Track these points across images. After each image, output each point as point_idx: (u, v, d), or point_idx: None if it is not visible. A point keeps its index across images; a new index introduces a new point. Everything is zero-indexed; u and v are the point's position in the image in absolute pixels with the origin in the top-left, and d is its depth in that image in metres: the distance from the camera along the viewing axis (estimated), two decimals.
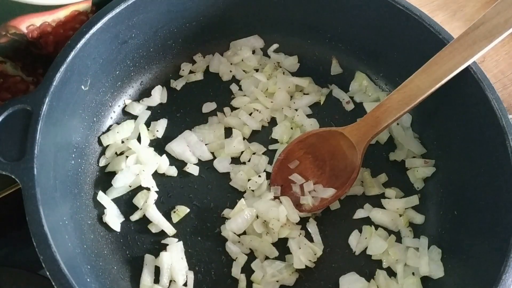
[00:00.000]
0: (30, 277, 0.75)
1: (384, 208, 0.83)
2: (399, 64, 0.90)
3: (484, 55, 0.78)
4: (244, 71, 0.94)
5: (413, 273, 0.78)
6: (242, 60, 0.94)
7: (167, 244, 0.77)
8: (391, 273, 0.79)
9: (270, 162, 0.86)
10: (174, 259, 0.76)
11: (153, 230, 0.79)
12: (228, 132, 0.88)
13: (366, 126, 0.80)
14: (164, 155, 0.84)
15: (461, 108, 0.81)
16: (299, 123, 0.89)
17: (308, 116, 0.90)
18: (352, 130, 0.80)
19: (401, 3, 0.83)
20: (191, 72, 0.93)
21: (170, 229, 0.79)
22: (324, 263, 0.79)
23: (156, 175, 0.84)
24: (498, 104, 0.75)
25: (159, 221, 0.79)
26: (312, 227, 0.81)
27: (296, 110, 0.90)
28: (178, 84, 0.91)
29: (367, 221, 0.83)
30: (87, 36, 0.74)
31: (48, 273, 0.60)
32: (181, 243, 0.78)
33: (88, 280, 0.68)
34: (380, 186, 0.85)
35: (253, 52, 0.96)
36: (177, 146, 0.85)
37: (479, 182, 0.77)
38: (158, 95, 0.89)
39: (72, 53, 0.72)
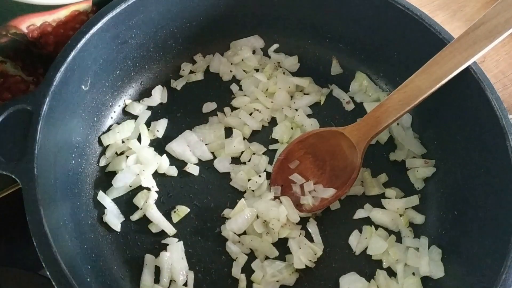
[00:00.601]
0: (30, 276, 0.75)
1: (384, 208, 0.83)
2: (399, 64, 0.90)
3: (485, 55, 0.78)
4: (244, 71, 0.94)
5: (413, 273, 0.78)
6: (243, 60, 0.94)
7: (167, 244, 0.77)
8: (391, 273, 0.79)
9: (270, 162, 0.85)
10: (174, 259, 0.76)
11: (153, 230, 0.79)
12: (229, 132, 0.88)
13: (366, 126, 0.80)
14: (165, 155, 0.84)
15: (461, 108, 0.81)
16: (299, 123, 0.89)
17: (308, 116, 0.90)
18: (352, 130, 0.80)
19: (401, 3, 0.83)
20: (191, 72, 0.93)
21: (170, 229, 0.79)
22: (324, 263, 0.79)
23: (156, 175, 0.84)
24: (499, 104, 0.75)
25: (159, 221, 0.79)
26: (312, 227, 0.81)
27: (296, 110, 0.90)
28: (178, 84, 0.91)
29: (367, 221, 0.83)
30: (88, 36, 0.74)
31: (48, 273, 0.60)
32: (181, 243, 0.78)
33: (88, 280, 0.68)
34: (380, 186, 0.85)
35: (253, 52, 0.96)
36: (177, 146, 0.85)
37: (479, 182, 0.77)
38: (159, 95, 0.89)
39: (73, 53, 0.72)
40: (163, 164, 0.83)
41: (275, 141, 0.88)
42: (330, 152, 0.82)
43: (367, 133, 0.79)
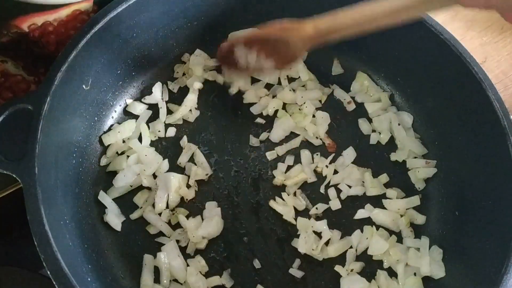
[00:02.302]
0: (31, 276, 0.75)
1: (385, 208, 0.83)
2: (400, 64, 0.90)
3: (486, 55, 0.78)
4: None
5: (414, 274, 0.78)
6: None
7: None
8: (392, 273, 0.79)
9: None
10: (170, 258, 0.76)
11: (151, 231, 0.79)
12: (231, 132, 0.88)
13: (315, 36, 0.74)
14: (166, 160, 0.84)
15: (462, 109, 0.81)
16: (308, 113, 0.89)
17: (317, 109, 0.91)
18: (303, 39, 0.75)
19: None
20: (184, 74, 0.92)
21: (167, 231, 0.79)
22: (325, 263, 0.79)
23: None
24: (500, 105, 0.75)
25: (156, 223, 0.79)
26: (323, 225, 0.81)
27: (302, 104, 0.90)
28: (175, 87, 0.91)
29: (368, 221, 0.82)
30: (89, 35, 0.74)
31: (49, 272, 0.60)
32: (174, 241, 0.77)
33: (89, 279, 0.68)
34: (381, 187, 0.85)
35: None
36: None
37: (480, 183, 0.77)
38: (159, 92, 0.89)
39: (74, 53, 0.72)
40: (164, 165, 0.83)
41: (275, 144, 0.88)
42: (277, 47, 0.78)
43: (315, 41, 0.75)
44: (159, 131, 0.86)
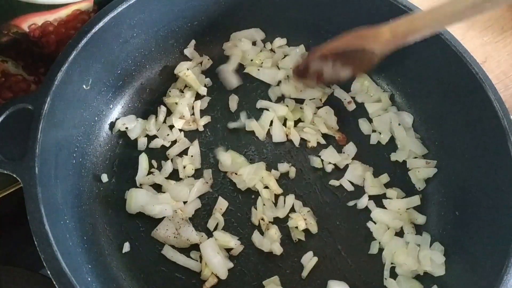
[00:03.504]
0: (31, 276, 0.75)
1: (385, 208, 0.83)
2: (400, 64, 0.90)
3: (486, 55, 0.78)
4: (241, 63, 0.94)
5: (418, 275, 0.78)
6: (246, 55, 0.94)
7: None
8: (393, 274, 0.79)
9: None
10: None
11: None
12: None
13: (392, 39, 0.74)
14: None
15: (463, 109, 0.81)
16: (308, 113, 0.89)
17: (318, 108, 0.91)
18: (377, 43, 0.75)
19: (402, 3, 0.83)
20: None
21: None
22: (324, 263, 0.79)
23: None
24: (500, 105, 0.75)
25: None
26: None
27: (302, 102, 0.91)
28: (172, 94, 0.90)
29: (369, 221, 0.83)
30: (89, 35, 0.74)
31: (49, 272, 0.60)
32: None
33: (89, 279, 0.68)
34: (381, 186, 0.85)
35: (254, 44, 0.95)
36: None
37: (480, 183, 0.77)
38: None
39: (74, 53, 0.72)
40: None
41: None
42: (354, 55, 0.80)
43: (392, 45, 0.75)
44: (168, 134, 0.86)
